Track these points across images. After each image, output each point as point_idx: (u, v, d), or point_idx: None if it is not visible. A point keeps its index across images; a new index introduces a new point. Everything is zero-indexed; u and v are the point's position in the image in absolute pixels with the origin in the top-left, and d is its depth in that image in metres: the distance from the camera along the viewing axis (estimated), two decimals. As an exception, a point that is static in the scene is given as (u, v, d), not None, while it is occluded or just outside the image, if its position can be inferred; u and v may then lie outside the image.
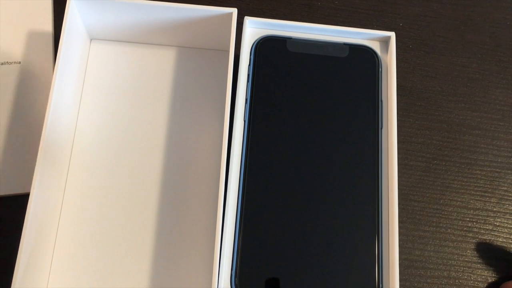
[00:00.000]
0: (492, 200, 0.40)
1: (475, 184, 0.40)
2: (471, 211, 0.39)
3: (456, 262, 0.38)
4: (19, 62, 0.40)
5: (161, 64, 0.40)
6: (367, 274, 0.32)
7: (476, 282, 0.38)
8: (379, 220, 0.33)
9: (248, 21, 0.37)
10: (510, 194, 0.40)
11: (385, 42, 0.38)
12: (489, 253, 0.39)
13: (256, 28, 0.38)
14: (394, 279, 0.31)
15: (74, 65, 0.37)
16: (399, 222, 0.33)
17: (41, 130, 0.32)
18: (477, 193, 0.40)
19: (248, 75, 0.36)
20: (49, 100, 0.33)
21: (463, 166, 0.40)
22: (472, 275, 0.38)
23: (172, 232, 0.36)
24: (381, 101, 0.36)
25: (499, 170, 0.40)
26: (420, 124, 0.41)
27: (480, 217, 0.39)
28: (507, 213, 0.40)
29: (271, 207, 0.33)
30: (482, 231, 0.39)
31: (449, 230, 0.39)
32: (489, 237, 0.39)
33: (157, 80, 0.40)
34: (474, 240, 0.39)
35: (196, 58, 0.41)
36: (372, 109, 0.36)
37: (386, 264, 0.32)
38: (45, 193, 0.33)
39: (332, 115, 0.35)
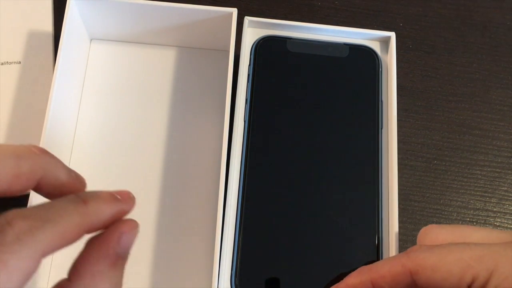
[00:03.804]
0: (492, 200, 0.40)
1: (475, 184, 0.40)
2: (471, 211, 0.39)
3: (456, 262, 0.38)
4: (19, 62, 0.40)
5: (161, 64, 0.40)
6: (367, 274, 0.32)
7: (476, 282, 0.38)
8: (379, 220, 0.33)
9: (248, 21, 0.37)
10: (510, 194, 0.40)
11: (385, 42, 0.38)
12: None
13: (256, 28, 0.38)
14: (394, 279, 0.31)
15: (74, 65, 0.37)
16: (399, 222, 0.33)
17: (41, 130, 0.32)
18: (477, 193, 0.40)
19: (248, 75, 0.36)
20: (49, 100, 0.33)
21: (463, 166, 0.40)
22: (472, 275, 0.38)
23: (172, 232, 0.36)
24: (381, 101, 0.36)
25: (499, 170, 0.40)
26: (420, 124, 0.41)
27: (480, 217, 0.39)
28: (507, 213, 0.40)
29: (271, 207, 0.33)
30: (482, 231, 0.39)
31: (449, 230, 0.39)
32: (489, 237, 0.39)
33: (157, 80, 0.40)
34: (474, 240, 0.39)
35: (196, 58, 0.41)
36: (372, 109, 0.36)
37: (386, 264, 0.32)
38: (45, 193, 0.33)
39: (332, 115, 0.35)
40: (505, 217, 0.39)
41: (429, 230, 0.27)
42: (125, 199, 0.22)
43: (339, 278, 0.32)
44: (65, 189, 0.22)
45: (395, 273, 0.25)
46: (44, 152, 0.22)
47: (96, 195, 0.21)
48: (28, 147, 0.21)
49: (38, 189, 0.22)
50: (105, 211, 0.21)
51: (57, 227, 0.19)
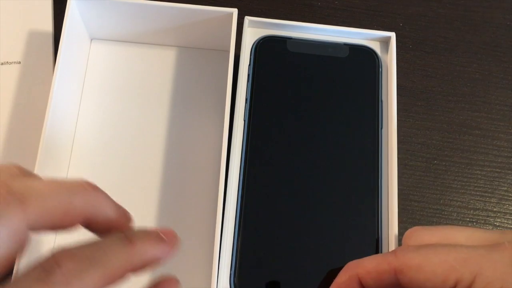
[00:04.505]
0: (492, 200, 0.40)
1: (475, 184, 0.40)
2: (471, 211, 0.39)
3: (456, 262, 0.38)
4: (19, 62, 0.40)
5: (161, 64, 0.40)
6: (367, 274, 0.32)
7: (476, 282, 0.38)
8: (379, 220, 0.33)
9: (248, 21, 0.37)
10: (510, 194, 0.40)
11: (385, 42, 0.38)
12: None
13: (256, 28, 0.38)
14: (394, 279, 0.31)
15: (74, 65, 0.37)
16: (399, 222, 0.33)
17: (41, 130, 0.32)
18: (477, 193, 0.40)
19: (248, 75, 0.36)
20: (49, 100, 0.33)
21: (463, 166, 0.40)
22: (472, 275, 0.38)
23: (172, 232, 0.36)
24: (381, 101, 0.36)
25: (499, 170, 0.40)
26: (420, 124, 0.41)
27: (480, 217, 0.39)
28: (507, 213, 0.40)
29: (271, 207, 0.33)
30: (482, 231, 0.39)
31: (449, 230, 0.39)
32: (489, 237, 0.39)
33: (157, 80, 0.40)
34: (474, 240, 0.39)
35: (196, 58, 0.41)
36: (372, 109, 0.36)
37: (386, 264, 0.32)
38: (45, 193, 0.33)
39: (332, 115, 0.35)
40: (505, 217, 0.39)
41: (414, 232, 0.27)
42: (170, 239, 0.23)
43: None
44: (112, 225, 0.23)
45: (381, 270, 0.25)
46: (96, 189, 0.22)
47: (143, 235, 0.22)
48: (81, 183, 0.22)
49: (85, 225, 0.22)
50: (151, 252, 0.21)
51: (104, 269, 0.19)
